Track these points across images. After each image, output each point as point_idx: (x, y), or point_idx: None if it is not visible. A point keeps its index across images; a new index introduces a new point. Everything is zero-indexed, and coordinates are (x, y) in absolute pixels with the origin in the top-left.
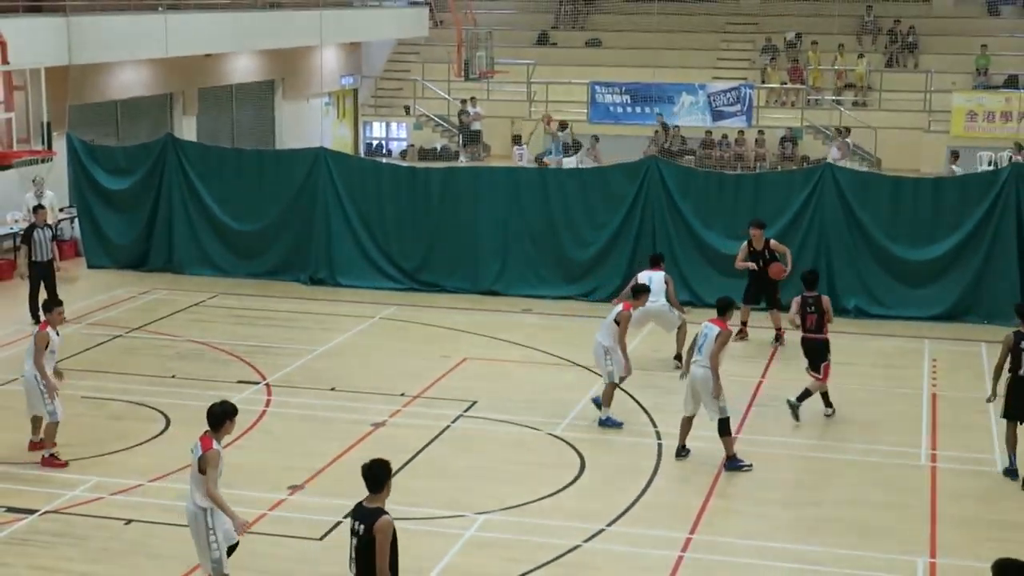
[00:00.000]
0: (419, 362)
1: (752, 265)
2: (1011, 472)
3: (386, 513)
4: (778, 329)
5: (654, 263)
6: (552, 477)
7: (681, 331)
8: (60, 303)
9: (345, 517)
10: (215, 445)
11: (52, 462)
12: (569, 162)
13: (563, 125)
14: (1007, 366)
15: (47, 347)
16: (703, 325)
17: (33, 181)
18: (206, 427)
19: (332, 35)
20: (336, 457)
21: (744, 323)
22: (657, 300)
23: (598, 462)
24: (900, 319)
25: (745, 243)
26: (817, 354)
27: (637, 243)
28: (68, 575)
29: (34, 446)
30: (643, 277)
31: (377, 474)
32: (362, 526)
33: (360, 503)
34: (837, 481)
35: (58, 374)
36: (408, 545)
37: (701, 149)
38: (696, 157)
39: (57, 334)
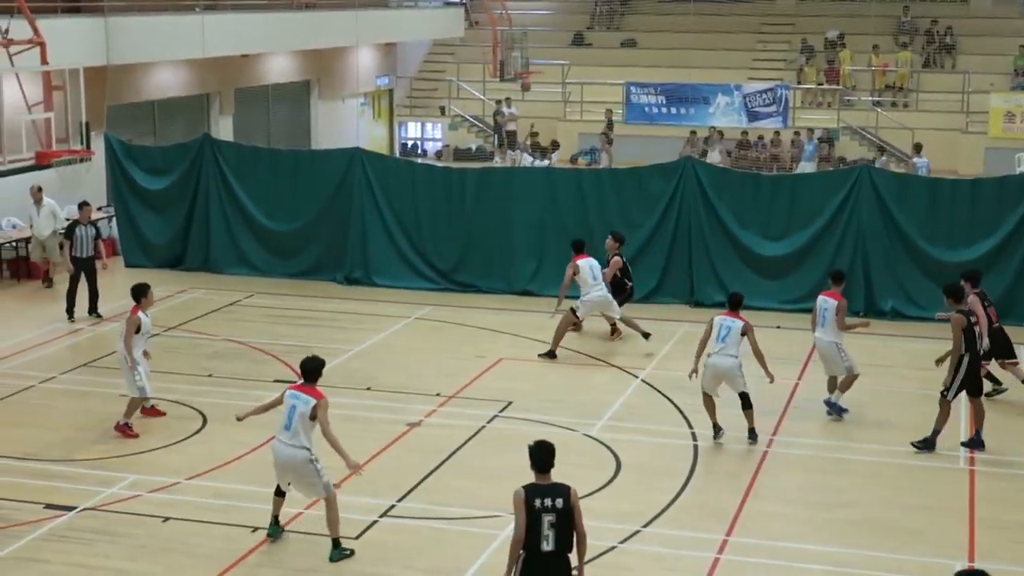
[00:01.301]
0: (454, 362)
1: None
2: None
3: (569, 485)
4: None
5: (578, 250)
6: (587, 478)
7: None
8: (149, 286)
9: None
10: (322, 393)
11: (125, 430)
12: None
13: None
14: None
15: (138, 330)
16: (716, 319)
17: (31, 191)
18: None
19: (368, 35)
20: (372, 456)
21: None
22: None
23: (633, 463)
24: (938, 321)
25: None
26: None
27: (673, 243)
28: (106, 572)
29: (147, 412)
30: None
31: (545, 456)
32: (559, 500)
33: (535, 484)
34: (874, 484)
35: (146, 354)
36: (443, 545)
37: (737, 150)
38: (731, 158)
39: (147, 316)
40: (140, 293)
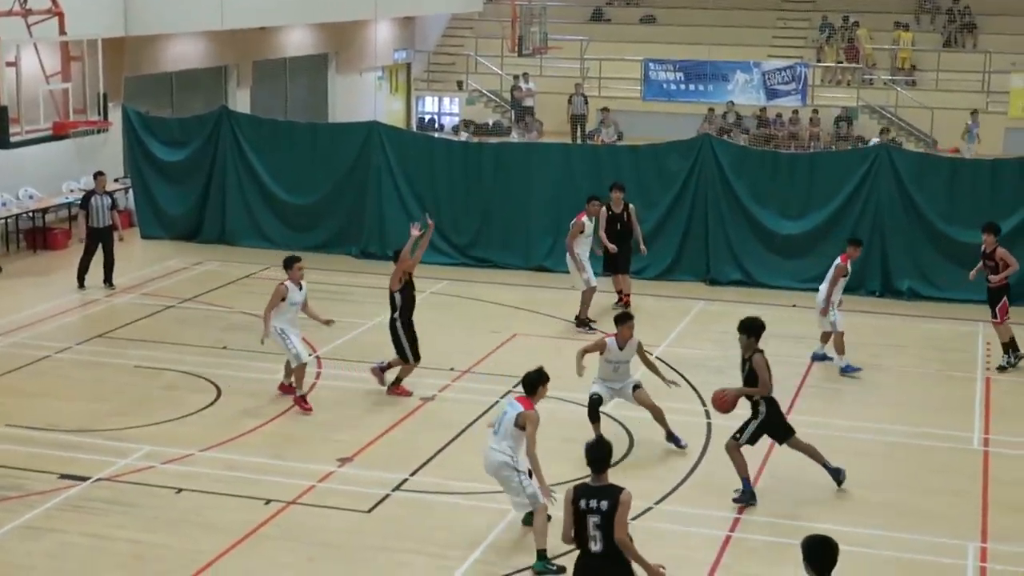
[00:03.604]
0: (469, 337)
1: (612, 248)
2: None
3: (623, 489)
4: (620, 292)
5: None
6: None
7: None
8: (299, 258)
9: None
10: (535, 407)
11: (301, 403)
12: None
13: None
14: None
15: (284, 299)
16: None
17: None
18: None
19: (386, 9)
20: (385, 431)
21: (620, 291)
22: None
23: (647, 440)
24: (955, 302)
25: (603, 208)
26: None
27: (689, 222)
28: (120, 542)
29: (283, 388)
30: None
31: (602, 456)
32: (604, 502)
33: (585, 485)
34: (888, 464)
35: (329, 322)
36: (456, 519)
37: (755, 127)
38: (750, 136)
39: (300, 288)
40: (287, 264)
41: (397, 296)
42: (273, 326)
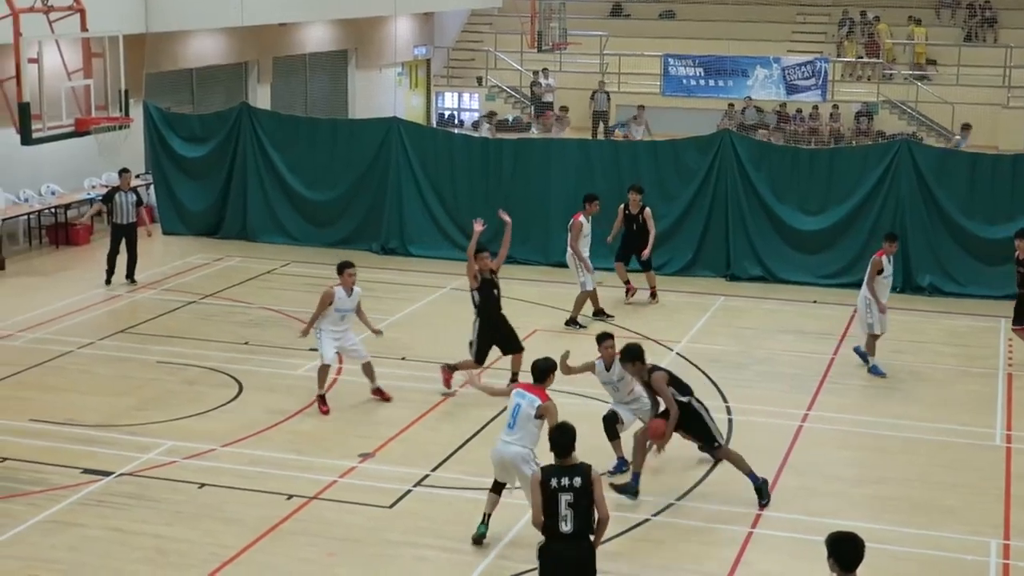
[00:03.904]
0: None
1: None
2: None
3: (590, 465)
4: (653, 288)
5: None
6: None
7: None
8: (351, 264)
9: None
10: (548, 395)
11: (320, 403)
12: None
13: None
14: None
15: (330, 303)
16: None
17: None
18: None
19: (406, 5)
20: (406, 426)
21: (627, 281)
22: None
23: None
24: (975, 297)
25: (621, 207)
26: None
27: (709, 217)
28: (142, 537)
29: (376, 392)
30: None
31: (567, 441)
32: (577, 479)
33: (553, 464)
34: (909, 460)
35: (377, 331)
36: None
37: (775, 123)
38: (770, 131)
39: (350, 294)
40: (339, 269)
41: (475, 294)
42: (316, 329)
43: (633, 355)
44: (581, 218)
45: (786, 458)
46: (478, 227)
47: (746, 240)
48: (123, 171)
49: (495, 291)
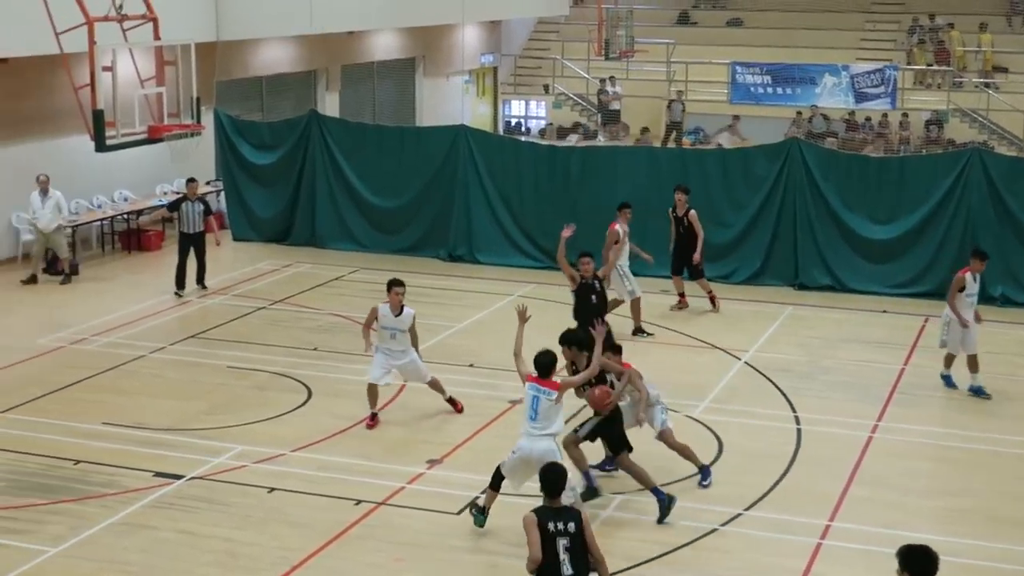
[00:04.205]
0: (556, 341)
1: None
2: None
3: (579, 509)
4: (710, 294)
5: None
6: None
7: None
8: (400, 283)
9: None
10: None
11: (455, 404)
12: None
13: None
14: None
15: (375, 320)
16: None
17: (37, 179)
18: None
19: (474, 13)
20: (474, 433)
21: (681, 293)
22: None
23: (736, 446)
24: None
25: (669, 210)
26: None
27: (777, 225)
28: (212, 540)
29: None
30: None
31: (557, 481)
32: (571, 524)
33: (545, 508)
34: (981, 473)
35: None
36: None
37: (843, 131)
38: (839, 139)
39: (397, 314)
40: (387, 286)
41: (572, 295)
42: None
43: (569, 340)
44: (617, 227)
45: (855, 469)
46: (566, 233)
47: (815, 249)
48: (190, 180)
49: (593, 296)
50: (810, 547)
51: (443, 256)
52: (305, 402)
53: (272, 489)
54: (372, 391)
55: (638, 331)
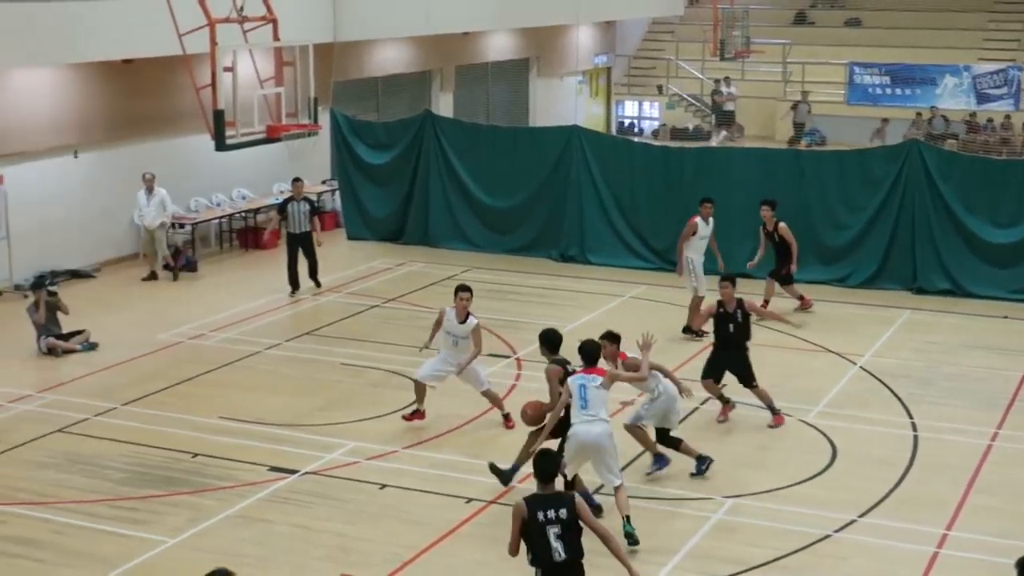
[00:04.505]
0: (667, 342)
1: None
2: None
3: (572, 492)
4: (800, 298)
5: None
6: (802, 464)
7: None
8: (467, 288)
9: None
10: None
11: (508, 419)
12: None
13: None
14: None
15: (441, 323)
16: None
17: (143, 177)
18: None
19: (588, 13)
20: None
21: (801, 296)
22: None
23: (850, 451)
24: None
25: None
26: None
27: (896, 227)
28: (325, 534)
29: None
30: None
31: (552, 469)
32: (563, 510)
33: (536, 495)
34: None
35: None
36: (655, 524)
37: (964, 133)
38: (959, 141)
39: (463, 321)
40: (455, 291)
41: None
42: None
43: (542, 338)
44: (697, 220)
45: (974, 477)
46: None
47: (933, 252)
48: (295, 180)
49: (730, 326)
50: (926, 556)
51: (555, 256)
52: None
53: (384, 485)
54: (419, 388)
55: (688, 330)
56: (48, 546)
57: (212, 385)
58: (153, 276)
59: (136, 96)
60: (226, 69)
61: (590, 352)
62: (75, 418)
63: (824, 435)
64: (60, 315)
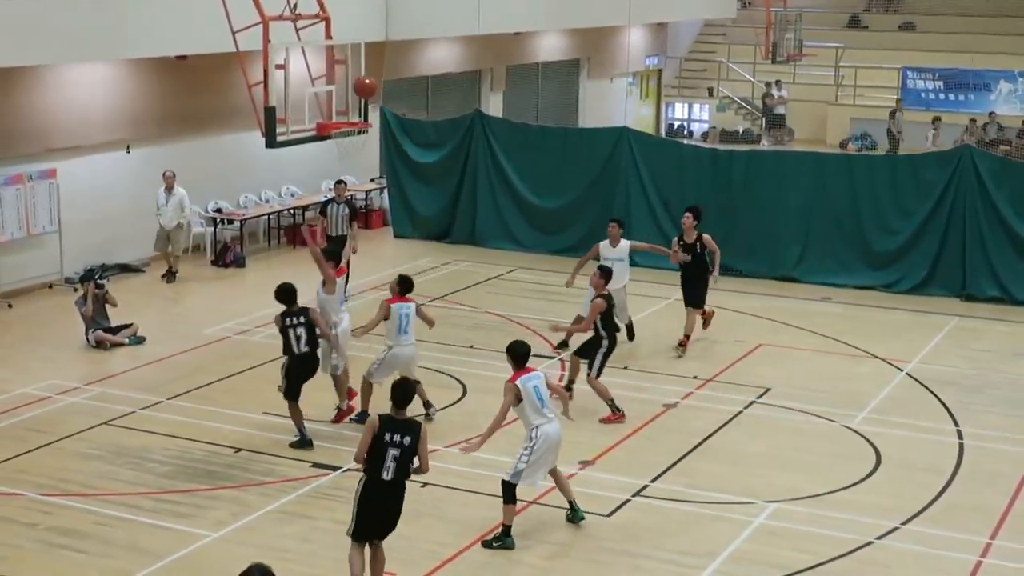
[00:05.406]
0: (713, 346)
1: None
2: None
3: (421, 423)
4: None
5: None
6: (846, 470)
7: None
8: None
9: (384, 433)
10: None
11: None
12: None
13: None
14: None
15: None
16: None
17: (163, 176)
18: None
19: (640, 15)
20: (627, 435)
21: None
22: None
23: (895, 458)
24: None
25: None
26: None
27: (946, 234)
28: None
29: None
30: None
31: (407, 396)
32: (408, 438)
33: (391, 417)
34: None
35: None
36: (694, 528)
37: (1018, 139)
38: (1013, 147)
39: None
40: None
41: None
42: None
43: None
44: (602, 244)
45: (1020, 486)
46: None
47: (984, 259)
48: (338, 182)
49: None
50: (970, 564)
51: None
52: (460, 399)
53: (425, 484)
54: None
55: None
56: (92, 537)
57: (257, 380)
58: (171, 274)
59: (189, 92)
60: (278, 66)
61: (524, 355)
62: (122, 411)
63: (868, 441)
64: (108, 308)
